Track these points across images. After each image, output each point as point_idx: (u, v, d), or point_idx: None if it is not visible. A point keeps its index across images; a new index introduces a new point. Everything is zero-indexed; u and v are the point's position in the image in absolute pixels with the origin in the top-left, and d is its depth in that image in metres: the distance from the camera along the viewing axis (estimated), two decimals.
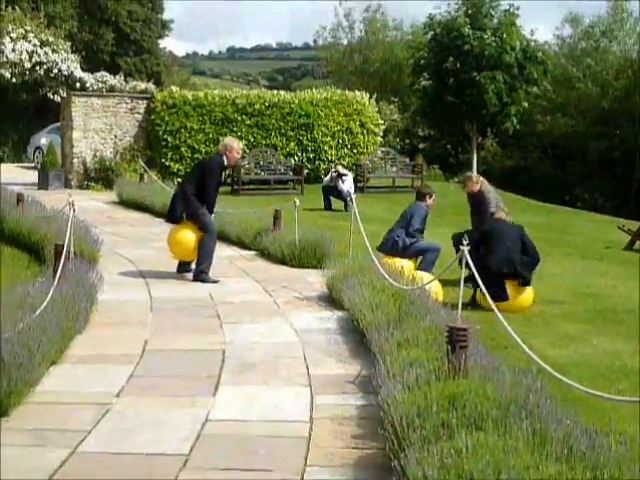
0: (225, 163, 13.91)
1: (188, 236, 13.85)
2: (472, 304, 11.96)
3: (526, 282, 12.58)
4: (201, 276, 13.67)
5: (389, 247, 13.97)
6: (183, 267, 14.16)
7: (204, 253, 13.78)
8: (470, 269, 8.57)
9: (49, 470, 6.27)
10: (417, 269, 13.22)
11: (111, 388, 8.26)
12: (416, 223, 14.08)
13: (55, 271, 10.58)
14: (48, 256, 13.12)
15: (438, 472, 5.32)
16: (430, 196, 14.45)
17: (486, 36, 38.37)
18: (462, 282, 8.54)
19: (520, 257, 12.75)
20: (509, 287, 12.32)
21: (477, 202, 14.72)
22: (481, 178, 15.17)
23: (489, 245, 12.75)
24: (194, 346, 9.90)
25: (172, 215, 14.13)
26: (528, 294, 12.63)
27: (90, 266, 12.74)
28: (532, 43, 40.59)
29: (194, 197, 13.68)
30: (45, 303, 9.39)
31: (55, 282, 10.17)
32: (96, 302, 11.28)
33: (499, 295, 11.66)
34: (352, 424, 7.40)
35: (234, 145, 13.98)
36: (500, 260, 12.47)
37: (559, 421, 5.97)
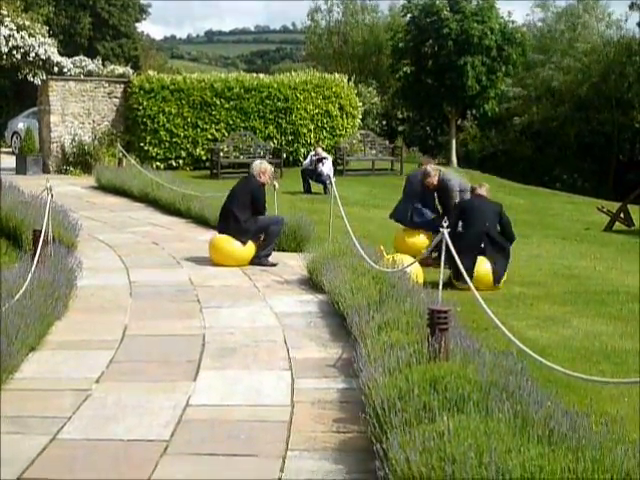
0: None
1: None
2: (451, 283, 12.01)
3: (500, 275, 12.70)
4: (263, 260, 13.92)
5: (408, 217, 14.82)
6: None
7: (271, 240, 14.14)
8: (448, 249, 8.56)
9: (29, 457, 6.23)
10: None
11: (91, 374, 8.22)
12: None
13: (33, 257, 10.53)
14: (26, 242, 13.05)
15: (420, 455, 5.30)
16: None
17: (467, 20, 38.31)
18: (442, 264, 8.52)
19: (496, 233, 12.88)
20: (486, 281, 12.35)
21: (440, 192, 14.76)
22: (439, 168, 15.18)
23: (466, 220, 12.93)
24: (174, 331, 9.87)
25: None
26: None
27: (69, 251, 12.71)
28: (510, 24, 40.58)
29: (250, 222, 13.93)
30: (23, 289, 9.34)
31: (33, 268, 10.11)
32: (75, 287, 11.23)
33: (470, 267, 11.75)
34: (333, 408, 7.38)
35: (267, 168, 14.42)
36: (477, 234, 12.62)
37: (540, 403, 5.96)
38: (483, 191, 13.47)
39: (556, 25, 54.22)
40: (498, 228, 12.95)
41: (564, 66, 48.86)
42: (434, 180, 14.68)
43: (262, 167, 14.32)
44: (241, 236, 13.77)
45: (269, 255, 14.02)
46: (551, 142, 47.60)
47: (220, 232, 14.13)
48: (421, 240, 14.32)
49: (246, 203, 13.94)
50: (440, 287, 8.24)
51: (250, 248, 13.89)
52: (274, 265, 13.80)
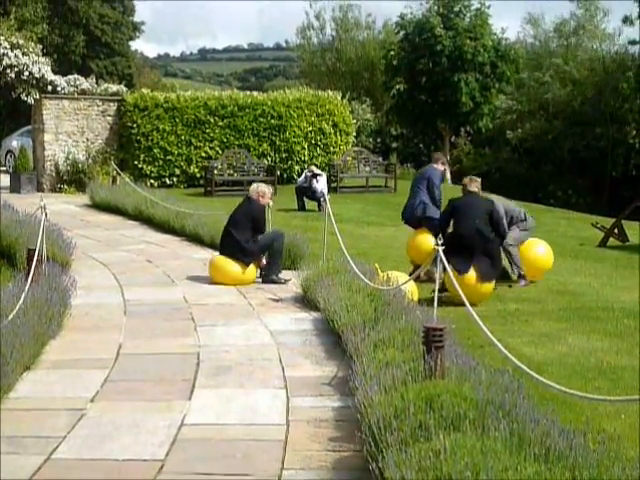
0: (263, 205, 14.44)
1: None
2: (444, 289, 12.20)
3: (489, 276, 12.71)
4: (275, 278, 13.93)
5: (410, 213, 14.97)
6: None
7: (277, 256, 14.13)
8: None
9: (24, 477, 6.21)
10: None
11: (85, 393, 8.20)
12: (436, 180, 14.90)
13: (27, 275, 10.51)
14: (20, 260, 13.03)
15: (416, 474, 5.29)
16: (443, 163, 15.31)
17: (460, 36, 38.44)
18: (437, 280, 8.53)
19: (487, 229, 12.99)
20: (469, 281, 12.27)
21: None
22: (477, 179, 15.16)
23: (458, 216, 13.06)
24: (169, 349, 9.85)
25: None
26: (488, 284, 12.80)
27: (63, 270, 12.69)
28: (503, 41, 40.72)
29: (251, 243, 13.94)
30: (17, 308, 9.31)
31: (27, 286, 10.08)
32: (69, 306, 11.21)
33: (463, 268, 12.12)
34: (329, 426, 7.36)
35: (266, 190, 14.45)
36: (468, 228, 12.71)
37: (537, 421, 5.95)
38: (474, 187, 13.51)
39: (548, 43, 54.29)
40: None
41: (561, 76, 48.88)
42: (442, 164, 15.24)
43: (260, 190, 14.33)
44: (244, 258, 13.78)
45: (279, 272, 14.00)
46: (545, 158, 47.65)
47: (220, 254, 14.14)
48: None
49: (246, 225, 13.95)
50: (435, 304, 8.24)
51: (252, 270, 13.90)
52: (287, 281, 13.78)
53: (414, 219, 14.84)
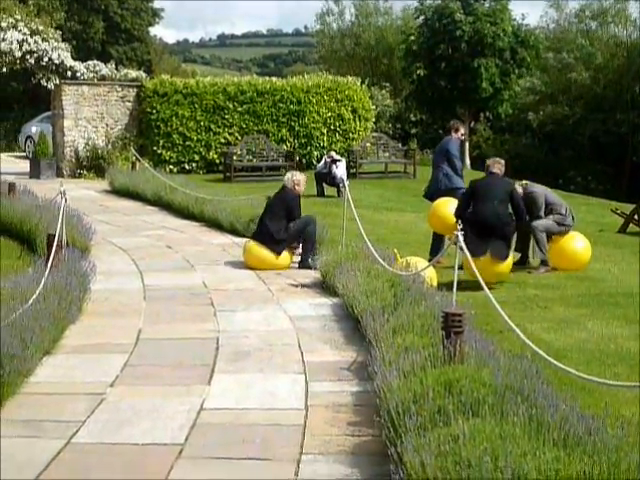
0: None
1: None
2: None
3: (502, 256, 12.71)
4: (311, 263, 13.73)
5: (435, 188, 15.07)
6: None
7: (311, 241, 14.14)
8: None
9: (44, 461, 6.24)
10: None
11: (105, 378, 8.23)
12: (453, 150, 15.04)
13: (47, 261, 10.55)
14: (40, 245, 13.07)
15: (435, 459, 5.29)
16: (457, 130, 15.30)
17: (480, 22, 38.30)
18: (456, 267, 8.52)
19: (506, 211, 13.06)
20: (485, 263, 12.13)
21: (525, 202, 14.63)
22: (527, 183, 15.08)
23: (477, 198, 13.06)
24: (188, 334, 9.88)
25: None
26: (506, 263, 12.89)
27: (82, 255, 12.72)
28: (523, 27, 40.56)
29: (283, 232, 13.95)
30: (37, 293, 9.36)
31: (47, 272, 10.12)
32: (89, 291, 11.23)
33: (479, 251, 11.96)
34: (348, 411, 7.37)
35: (301, 179, 14.49)
36: (488, 211, 12.76)
37: (555, 406, 5.93)
38: (497, 168, 13.52)
39: (571, 27, 54.03)
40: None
41: (585, 59, 48.65)
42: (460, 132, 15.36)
43: (295, 179, 14.36)
44: (275, 246, 13.80)
45: (314, 256, 13.75)
46: (565, 144, 47.49)
47: (254, 239, 14.16)
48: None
49: (280, 214, 13.98)
50: (454, 290, 8.24)
51: (285, 257, 13.97)
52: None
53: (439, 193, 14.68)
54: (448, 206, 13.82)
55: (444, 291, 9.66)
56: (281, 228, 13.88)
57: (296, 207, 14.18)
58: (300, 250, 14.17)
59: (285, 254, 13.93)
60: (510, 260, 12.98)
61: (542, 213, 14.12)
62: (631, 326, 10.55)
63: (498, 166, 13.56)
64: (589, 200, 29.75)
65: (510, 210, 13.16)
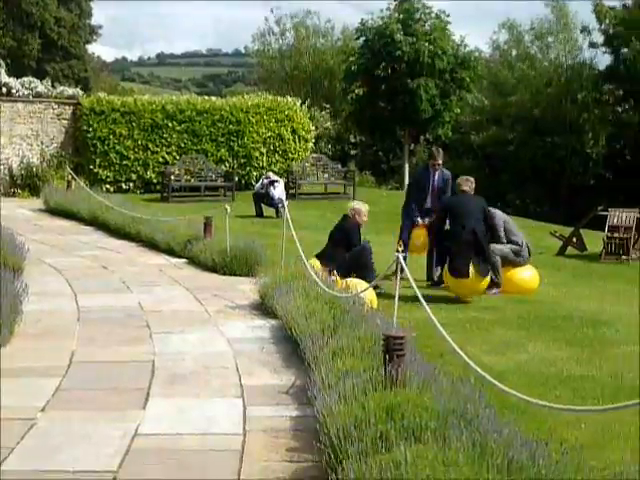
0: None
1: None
2: (435, 283, 13.83)
3: (486, 272, 13.30)
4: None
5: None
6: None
7: (368, 268, 13.59)
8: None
9: None
10: None
11: (36, 402, 7.97)
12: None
13: None
14: None
15: None
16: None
17: (419, 42, 38.50)
18: (397, 289, 8.42)
19: (483, 228, 13.44)
20: (470, 280, 13.01)
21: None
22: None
23: (455, 216, 13.42)
24: (123, 357, 9.65)
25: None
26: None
27: (15, 275, 12.41)
28: (463, 49, 40.86)
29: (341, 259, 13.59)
30: None
31: None
32: (21, 313, 10.94)
33: (463, 269, 12.83)
34: (286, 436, 7.21)
35: (362, 209, 14.20)
36: (467, 228, 13.10)
37: (499, 431, 5.83)
38: (467, 186, 13.66)
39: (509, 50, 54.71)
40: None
41: (525, 84, 49.29)
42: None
43: (356, 208, 14.14)
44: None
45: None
46: (505, 167, 47.91)
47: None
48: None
49: (340, 243, 13.82)
50: (395, 312, 8.14)
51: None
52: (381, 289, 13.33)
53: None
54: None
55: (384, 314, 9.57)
56: (339, 256, 13.58)
57: (354, 236, 13.89)
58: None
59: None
60: (488, 276, 13.47)
61: (502, 236, 14.11)
62: (571, 349, 10.55)
63: (468, 184, 13.78)
64: (528, 223, 29.92)
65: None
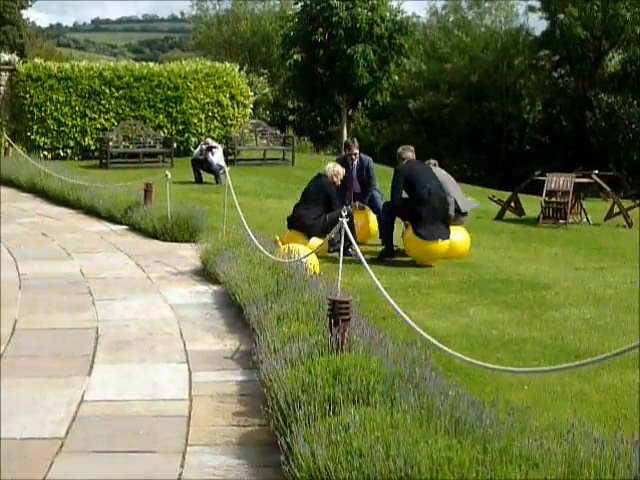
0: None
1: None
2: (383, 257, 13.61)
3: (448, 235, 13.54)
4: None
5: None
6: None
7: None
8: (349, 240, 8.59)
9: None
10: None
11: None
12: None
13: None
14: None
15: (326, 449, 5.20)
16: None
17: (356, 7, 38.37)
18: (341, 252, 8.45)
19: (443, 192, 13.84)
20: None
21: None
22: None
23: (414, 184, 13.44)
24: (66, 324, 9.60)
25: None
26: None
27: None
28: (400, 15, 40.80)
29: (319, 220, 13.64)
30: None
31: None
32: None
33: (438, 232, 13.17)
34: (233, 401, 7.24)
35: (340, 172, 14.23)
36: (431, 194, 13.27)
37: (445, 394, 5.90)
38: (409, 154, 13.86)
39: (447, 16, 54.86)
40: None
41: (460, 50, 49.49)
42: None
43: (335, 170, 14.09)
44: (307, 232, 13.47)
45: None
46: (443, 131, 48.14)
47: (289, 228, 13.93)
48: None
49: (318, 202, 13.75)
50: (339, 277, 8.17)
51: (318, 244, 13.41)
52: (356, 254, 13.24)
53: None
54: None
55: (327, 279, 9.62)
56: (316, 216, 13.58)
57: (334, 197, 13.94)
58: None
59: (317, 241, 13.28)
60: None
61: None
62: (512, 311, 10.66)
63: (411, 151, 13.90)
64: (466, 187, 30.13)
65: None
